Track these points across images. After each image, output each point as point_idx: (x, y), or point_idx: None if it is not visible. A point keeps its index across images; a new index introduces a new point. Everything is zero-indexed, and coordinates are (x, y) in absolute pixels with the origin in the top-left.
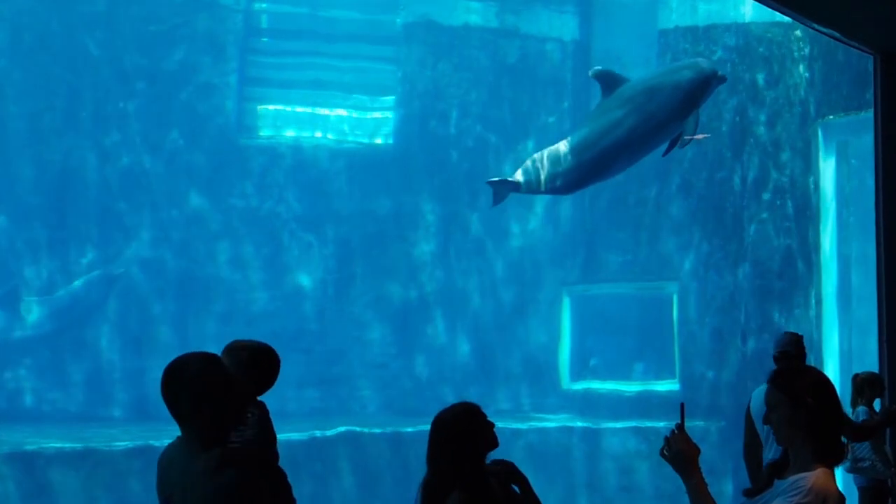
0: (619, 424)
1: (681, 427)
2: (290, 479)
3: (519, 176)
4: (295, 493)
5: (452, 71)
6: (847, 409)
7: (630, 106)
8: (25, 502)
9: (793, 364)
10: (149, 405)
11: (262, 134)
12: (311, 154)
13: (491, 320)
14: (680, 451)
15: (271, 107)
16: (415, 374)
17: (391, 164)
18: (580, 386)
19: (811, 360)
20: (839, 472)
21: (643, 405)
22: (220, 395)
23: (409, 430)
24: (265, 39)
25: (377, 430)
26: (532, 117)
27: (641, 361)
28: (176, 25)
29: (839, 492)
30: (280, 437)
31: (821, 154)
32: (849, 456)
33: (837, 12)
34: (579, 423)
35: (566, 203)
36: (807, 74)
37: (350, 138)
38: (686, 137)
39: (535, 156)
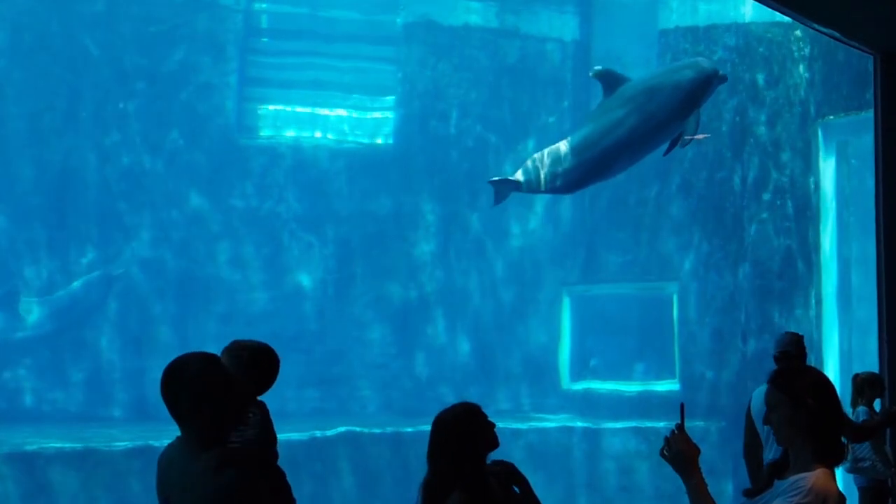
0: (619, 424)
1: (681, 427)
2: (290, 480)
3: (520, 175)
4: (295, 493)
5: (452, 71)
6: (847, 409)
7: (631, 105)
8: (25, 502)
9: (793, 364)
10: (148, 405)
11: (262, 134)
12: (311, 154)
13: (491, 320)
14: (680, 452)
15: (271, 107)
16: (415, 374)
17: (391, 165)
18: (580, 386)
19: (811, 361)
20: (839, 473)
21: (643, 405)
22: (220, 395)
23: (409, 430)
24: (265, 39)
25: (377, 431)
26: (532, 117)
27: (641, 361)
28: (176, 25)
29: (839, 492)
30: (280, 437)
31: (821, 154)
32: (849, 456)
33: (837, 12)
34: (579, 424)
35: (566, 203)
36: (807, 74)
37: (350, 138)
38: (686, 137)
39: (536, 155)
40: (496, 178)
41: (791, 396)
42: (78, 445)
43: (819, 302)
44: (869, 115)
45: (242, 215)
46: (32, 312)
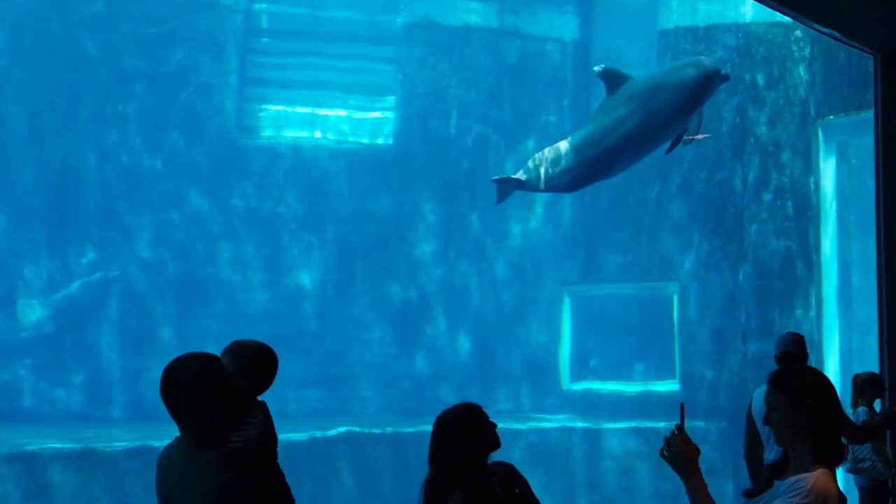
0: (619, 425)
1: (681, 427)
2: (290, 480)
3: (522, 174)
4: (295, 494)
5: (453, 71)
6: (847, 409)
7: (634, 104)
8: (25, 502)
9: (793, 365)
10: (148, 405)
11: (262, 134)
12: (311, 154)
13: (491, 320)
14: (680, 452)
15: (271, 107)
16: (415, 375)
17: (391, 165)
18: (580, 386)
19: (811, 361)
20: (840, 473)
21: (643, 405)
22: (220, 396)
23: (410, 430)
24: (265, 40)
25: (377, 431)
26: (532, 117)
27: (642, 362)
28: (176, 26)
29: (839, 492)
30: (280, 437)
31: (821, 154)
32: (849, 456)
33: (837, 12)
34: (579, 424)
35: (566, 203)
36: (807, 75)
37: (350, 139)
38: (687, 137)
39: (538, 154)
40: (499, 177)
41: (791, 397)
42: (78, 445)
43: (819, 302)
44: (869, 115)
45: (242, 215)
46: (32, 313)
